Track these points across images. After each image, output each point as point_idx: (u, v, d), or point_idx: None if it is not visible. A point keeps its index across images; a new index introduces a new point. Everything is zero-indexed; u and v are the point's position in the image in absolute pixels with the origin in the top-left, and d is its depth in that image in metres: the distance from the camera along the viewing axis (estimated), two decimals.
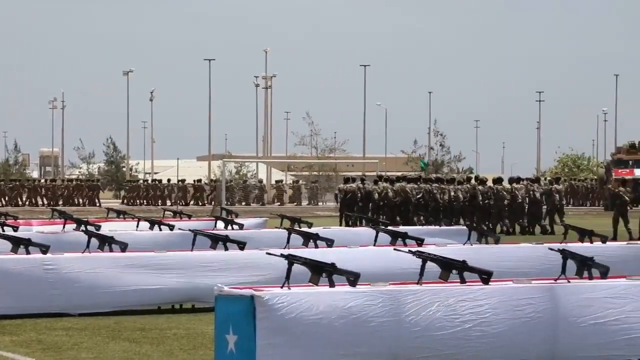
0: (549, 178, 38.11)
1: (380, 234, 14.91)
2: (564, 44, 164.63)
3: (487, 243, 14.58)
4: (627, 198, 27.01)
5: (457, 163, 73.03)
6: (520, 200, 29.52)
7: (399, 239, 14.18)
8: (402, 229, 16.25)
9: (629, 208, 26.88)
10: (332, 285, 8.37)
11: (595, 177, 64.10)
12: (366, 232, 16.80)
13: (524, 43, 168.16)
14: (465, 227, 16.42)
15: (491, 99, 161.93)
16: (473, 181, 31.48)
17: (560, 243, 13.77)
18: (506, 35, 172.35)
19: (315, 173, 71.95)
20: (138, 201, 58.84)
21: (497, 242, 14.60)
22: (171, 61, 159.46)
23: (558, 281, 8.82)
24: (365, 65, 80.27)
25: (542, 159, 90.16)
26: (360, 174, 43.42)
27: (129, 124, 78.53)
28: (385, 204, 30.36)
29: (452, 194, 30.05)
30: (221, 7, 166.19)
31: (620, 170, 55.88)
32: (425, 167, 66.83)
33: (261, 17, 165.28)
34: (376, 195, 30.57)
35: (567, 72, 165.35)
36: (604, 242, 14.36)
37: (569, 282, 8.81)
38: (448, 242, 14.99)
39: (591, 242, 14.19)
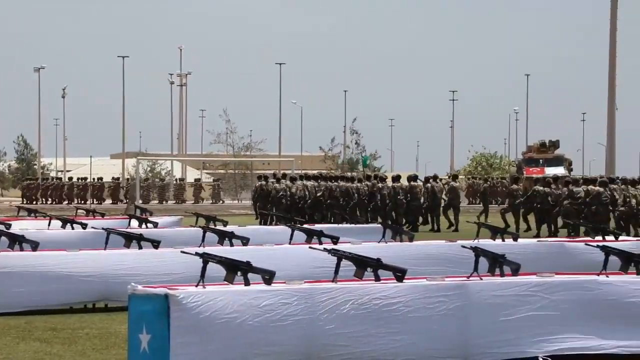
0: (448, 176, 38.71)
1: (296, 232, 14.92)
2: (477, 44, 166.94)
3: (401, 241, 14.69)
4: (519, 196, 28.45)
5: (372, 161, 73.56)
6: (418, 198, 30.07)
7: (315, 237, 14.22)
8: (317, 227, 16.29)
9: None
10: (247, 283, 8.35)
11: (507, 175, 65.08)
12: (282, 230, 16.80)
13: (438, 42, 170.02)
14: (380, 225, 16.51)
15: (406, 98, 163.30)
16: (373, 179, 31.84)
17: (473, 241, 13.94)
18: (420, 35, 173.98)
19: (231, 171, 71.75)
20: (36, 199, 58.08)
21: (411, 239, 14.73)
22: (84, 58, 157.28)
23: (470, 278, 8.93)
24: (280, 64, 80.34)
25: (455, 158, 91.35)
26: (275, 172, 43.43)
27: (40, 122, 77.37)
28: (288, 202, 30.55)
29: (353, 191, 30.29)
30: (135, 4, 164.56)
31: (531, 169, 56.87)
32: (366, 165, 67.31)
33: (176, 14, 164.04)
34: (282, 193, 30.71)
35: (480, 72, 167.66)
36: (515, 239, 14.58)
37: (481, 279, 8.92)
38: (363, 240, 15.05)
39: (503, 240, 14.39)
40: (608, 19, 71.17)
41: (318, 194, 30.37)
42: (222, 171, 74.25)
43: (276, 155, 74.39)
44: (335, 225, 21.63)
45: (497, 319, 8.69)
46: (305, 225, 16.36)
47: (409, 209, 30.06)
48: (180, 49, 77.10)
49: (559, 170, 54.31)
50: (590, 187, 26.45)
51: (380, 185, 30.30)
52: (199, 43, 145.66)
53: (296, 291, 8.25)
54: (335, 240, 13.80)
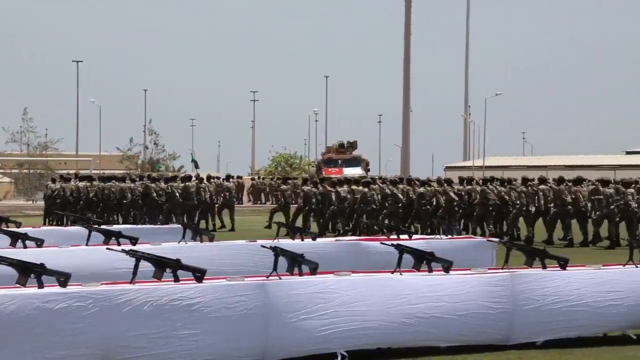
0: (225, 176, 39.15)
1: (94, 233, 14.60)
2: (277, 44, 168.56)
3: (201, 241, 14.62)
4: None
5: (172, 162, 73.16)
6: (192, 198, 30.41)
7: (113, 238, 13.97)
8: (115, 227, 16.02)
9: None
10: (40, 286, 8.12)
11: (307, 175, 65.99)
12: (79, 231, 16.42)
13: (239, 42, 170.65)
14: (180, 226, 16.40)
15: (207, 98, 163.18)
16: (146, 179, 31.81)
17: (273, 240, 14.05)
18: (221, 33, 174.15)
19: (25, 171, 69.66)
20: None
21: (211, 240, 14.69)
22: None
23: (270, 278, 8.98)
24: (78, 61, 78.76)
25: (256, 158, 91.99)
26: (74, 171, 42.46)
27: None
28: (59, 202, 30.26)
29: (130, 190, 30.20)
30: None
31: (330, 170, 57.92)
32: (196, 166, 66.99)
33: None
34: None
35: (280, 73, 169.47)
36: (314, 239, 14.78)
37: (280, 278, 8.99)
38: (163, 241, 14.90)
39: (302, 240, 14.56)
40: (403, 23, 73.19)
41: (91, 195, 30.15)
42: (16, 171, 71.96)
43: (74, 155, 72.76)
44: (135, 226, 21.37)
45: (297, 318, 8.77)
46: (103, 226, 16.05)
47: (184, 209, 30.19)
48: None
49: (357, 171, 55.59)
50: (354, 187, 27.52)
51: (152, 185, 30.34)
52: None
53: (93, 293, 8.08)
54: (134, 241, 13.61)
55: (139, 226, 19.42)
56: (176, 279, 8.66)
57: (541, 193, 24.56)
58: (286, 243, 13.47)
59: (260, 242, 13.78)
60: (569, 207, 24.10)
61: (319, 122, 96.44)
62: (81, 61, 79.17)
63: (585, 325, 9.85)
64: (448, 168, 79.87)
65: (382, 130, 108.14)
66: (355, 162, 59.98)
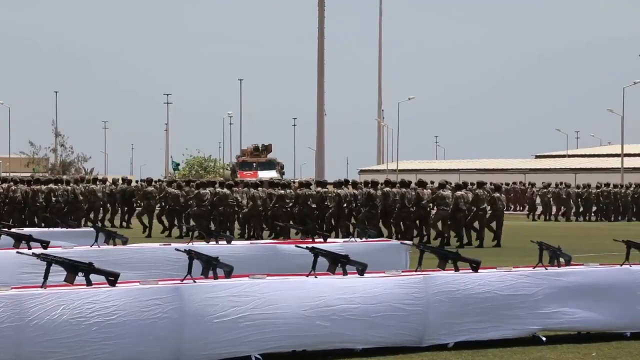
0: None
1: (3, 237, 14.36)
2: (191, 45, 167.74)
3: (115, 244, 14.47)
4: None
5: (83, 163, 72.32)
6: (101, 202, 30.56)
7: (23, 241, 13.74)
8: (26, 230, 15.77)
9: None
10: None
11: (222, 178, 65.80)
12: None
13: (152, 43, 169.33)
14: (93, 229, 16.20)
15: (120, 100, 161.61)
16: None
17: (188, 243, 13.98)
18: (133, 35, 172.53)
19: None
20: None
21: (124, 243, 14.55)
22: None
23: (184, 281, 8.94)
24: None
25: (171, 161, 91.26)
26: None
27: None
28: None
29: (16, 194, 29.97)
30: None
31: (245, 173, 57.84)
32: (176, 169, 66.79)
33: None
34: None
35: (194, 75, 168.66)
36: (229, 242, 14.74)
37: (194, 282, 8.95)
38: (76, 245, 14.70)
39: (217, 243, 14.52)
40: (317, 26, 73.34)
41: None
42: None
43: None
44: (47, 229, 21.05)
45: (211, 321, 8.75)
46: (13, 230, 15.78)
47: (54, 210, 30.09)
48: None
49: (272, 174, 55.60)
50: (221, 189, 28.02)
51: (53, 187, 30.18)
52: None
53: (3, 298, 7.95)
54: (45, 244, 13.41)
55: (51, 229, 19.09)
56: (89, 283, 8.57)
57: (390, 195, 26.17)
58: (201, 246, 13.41)
59: (174, 245, 13.70)
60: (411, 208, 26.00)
61: (233, 125, 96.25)
62: None
63: (497, 327, 10.01)
64: (362, 171, 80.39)
65: (296, 133, 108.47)
66: (270, 165, 60.01)
